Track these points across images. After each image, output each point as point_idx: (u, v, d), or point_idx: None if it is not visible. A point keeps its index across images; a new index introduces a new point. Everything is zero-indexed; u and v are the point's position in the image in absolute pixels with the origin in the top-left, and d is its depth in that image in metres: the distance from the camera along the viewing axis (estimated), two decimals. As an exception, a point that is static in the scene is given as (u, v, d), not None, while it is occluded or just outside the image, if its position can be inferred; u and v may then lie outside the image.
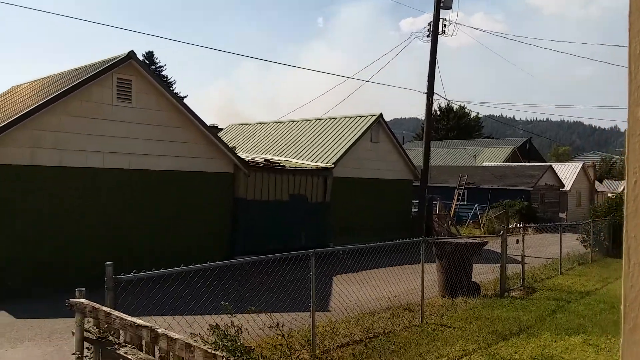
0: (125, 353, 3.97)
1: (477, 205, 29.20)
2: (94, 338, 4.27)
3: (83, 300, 4.31)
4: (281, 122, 21.74)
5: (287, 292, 7.75)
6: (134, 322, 3.84)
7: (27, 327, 7.63)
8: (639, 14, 1.02)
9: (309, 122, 20.24)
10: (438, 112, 61.07)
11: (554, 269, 13.92)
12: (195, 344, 3.40)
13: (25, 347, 6.77)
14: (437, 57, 19.21)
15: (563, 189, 33.26)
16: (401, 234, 12.55)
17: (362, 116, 18.65)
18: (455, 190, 29.49)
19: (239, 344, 3.28)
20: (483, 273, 11.17)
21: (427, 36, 19.28)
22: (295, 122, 20.87)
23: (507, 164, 38.54)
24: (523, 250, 11.80)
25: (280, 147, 19.24)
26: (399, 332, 7.55)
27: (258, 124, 22.99)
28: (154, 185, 11.81)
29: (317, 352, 6.38)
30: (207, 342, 3.45)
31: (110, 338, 4.19)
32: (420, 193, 19.75)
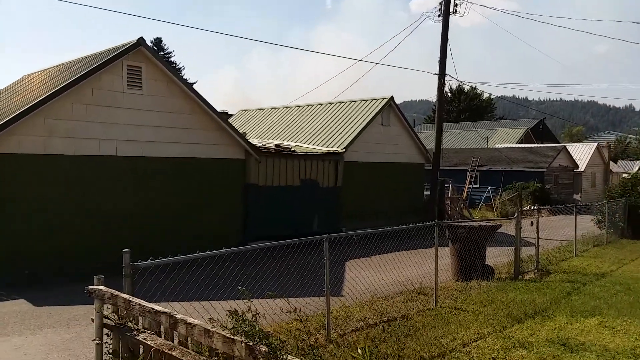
0: (145, 339, 4.03)
1: (489, 187, 28.99)
2: (113, 324, 4.33)
3: (102, 287, 4.36)
4: (291, 107, 21.65)
5: (301, 277, 7.80)
6: (152, 309, 3.89)
7: (46, 314, 7.78)
8: None
9: (319, 106, 20.12)
10: (449, 94, 60.35)
11: (568, 250, 13.82)
12: (213, 329, 3.43)
13: (45, 334, 6.91)
14: (448, 37, 18.90)
15: (577, 170, 32.85)
16: (413, 218, 12.51)
17: (372, 99, 18.48)
18: (468, 173, 29.27)
19: (257, 329, 3.29)
20: (497, 256, 11.12)
21: (439, 16, 18.95)
22: (305, 107, 20.76)
23: (520, 145, 38.09)
24: (537, 233, 11.71)
25: (291, 132, 19.19)
26: (413, 315, 7.57)
27: (268, 109, 22.92)
28: (166, 173, 11.88)
29: (332, 336, 6.43)
30: (226, 327, 3.47)
31: (130, 324, 4.25)
32: (432, 176, 19.64)
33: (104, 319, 4.36)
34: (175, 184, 12.07)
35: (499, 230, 11.03)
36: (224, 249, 5.40)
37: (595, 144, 37.25)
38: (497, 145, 37.62)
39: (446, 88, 20.90)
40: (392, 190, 18.19)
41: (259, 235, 13.28)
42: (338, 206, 16.04)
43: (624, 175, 32.02)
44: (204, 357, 3.58)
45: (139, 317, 4.19)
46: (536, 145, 37.69)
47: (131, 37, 11.50)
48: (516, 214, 11.03)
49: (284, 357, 3.08)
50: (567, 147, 33.75)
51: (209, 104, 12.55)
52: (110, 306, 4.38)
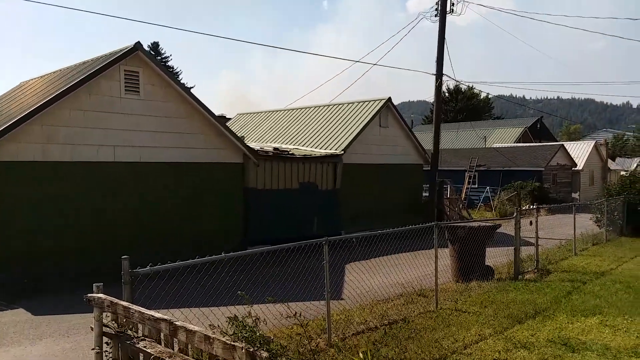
0: (145, 347, 4.02)
1: (488, 187, 29.01)
2: (113, 333, 4.31)
3: (101, 295, 4.35)
4: (289, 110, 21.65)
5: (300, 281, 7.79)
6: (152, 316, 3.88)
7: (45, 323, 7.75)
8: None
9: (316, 108, 20.13)
10: (447, 94, 60.41)
11: (568, 249, 13.82)
12: (214, 335, 3.42)
13: (45, 343, 6.88)
14: (445, 37, 18.92)
15: (575, 168, 32.90)
16: (412, 219, 12.49)
17: (370, 101, 18.49)
18: (466, 173, 29.28)
19: (258, 334, 3.29)
20: (496, 256, 11.12)
21: (435, 16, 18.95)
22: (303, 110, 20.76)
23: (518, 144, 38.15)
24: (537, 232, 11.71)
25: (289, 135, 19.19)
26: (414, 318, 7.56)
27: (266, 112, 22.91)
28: (164, 178, 11.86)
29: (333, 340, 6.42)
30: (226, 334, 3.46)
31: (129, 332, 4.23)
32: (430, 177, 19.64)
33: (103, 327, 4.34)
34: (174, 188, 12.05)
35: (498, 230, 11.03)
36: (223, 254, 5.39)
37: (593, 142, 37.31)
38: (495, 145, 37.68)
39: (444, 88, 20.94)
40: (390, 191, 18.19)
41: (259, 239, 13.25)
42: (337, 209, 16.03)
43: (622, 172, 32.08)
44: (205, 364, 3.57)
45: (139, 325, 4.18)
46: (534, 144, 37.73)
47: (128, 42, 11.50)
48: (515, 214, 11.03)
49: (285, 363, 3.07)
50: (565, 145, 33.80)
51: (207, 107, 12.55)
52: (109, 314, 4.36)
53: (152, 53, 49.08)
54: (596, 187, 34.14)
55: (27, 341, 6.97)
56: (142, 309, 4.05)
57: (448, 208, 21.37)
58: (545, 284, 9.88)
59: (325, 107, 19.80)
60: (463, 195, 26.87)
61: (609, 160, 40.59)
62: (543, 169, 29.21)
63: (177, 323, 3.68)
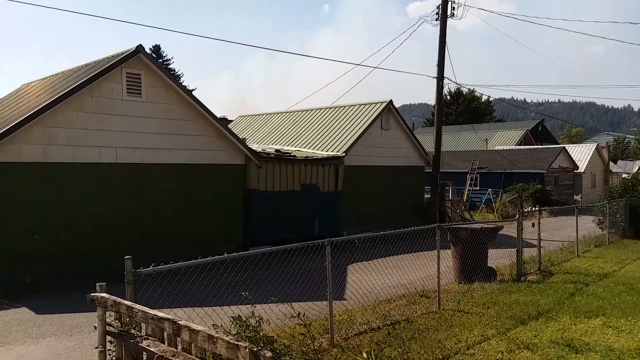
0: (148, 346, 4.01)
1: (490, 189, 28.99)
2: (116, 332, 4.31)
3: (104, 294, 4.35)
4: (290, 112, 21.68)
5: (302, 281, 7.78)
6: (155, 315, 3.87)
7: (48, 322, 7.75)
8: None
9: (318, 111, 20.15)
10: (448, 97, 60.50)
11: (570, 251, 13.79)
12: (217, 335, 3.41)
13: (47, 342, 6.88)
14: (446, 40, 18.95)
15: (577, 171, 32.84)
16: (414, 221, 12.48)
17: (371, 103, 18.50)
18: (468, 175, 29.27)
19: (261, 334, 3.28)
20: (499, 258, 11.10)
21: (436, 19, 19.01)
22: (305, 112, 20.79)
23: (520, 147, 38.13)
24: (539, 234, 11.69)
25: (291, 137, 19.20)
26: (417, 318, 7.54)
27: (267, 114, 22.94)
28: (166, 180, 11.87)
29: (335, 340, 6.40)
30: (229, 333, 3.45)
31: (133, 331, 4.23)
32: (432, 179, 19.63)
33: (106, 326, 4.34)
34: (176, 190, 12.06)
35: (500, 232, 11.01)
36: (225, 255, 5.38)
37: (595, 145, 37.26)
38: (496, 148, 37.66)
39: (445, 91, 20.96)
40: (392, 193, 18.18)
41: (261, 241, 13.25)
42: (339, 210, 16.02)
43: (624, 175, 32.02)
44: (208, 363, 3.56)
45: (142, 324, 4.18)
46: (536, 146, 37.71)
47: (130, 45, 11.53)
48: (517, 216, 11.02)
49: (289, 361, 3.07)
50: (566, 148, 33.76)
51: (209, 110, 12.56)
52: (112, 313, 4.36)
53: (154, 56, 49.21)
54: (598, 189, 34.09)
55: (31, 340, 6.97)
56: (146, 308, 4.05)
57: (450, 210, 21.35)
58: (548, 285, 9.85)
59: (327, 110, 19.82)
60: (465, 197, 26.85)
61: (611, 163, 40.54)
62: (545, 171, 29.18)
63: (180, 322, 3.68)
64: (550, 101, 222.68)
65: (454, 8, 18.88)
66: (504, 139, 44.14)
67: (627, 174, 33.20)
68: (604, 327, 7.13)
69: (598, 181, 35.71)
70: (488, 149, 38.63)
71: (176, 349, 3.93)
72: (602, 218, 16.81)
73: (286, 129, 20.08)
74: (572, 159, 32.74)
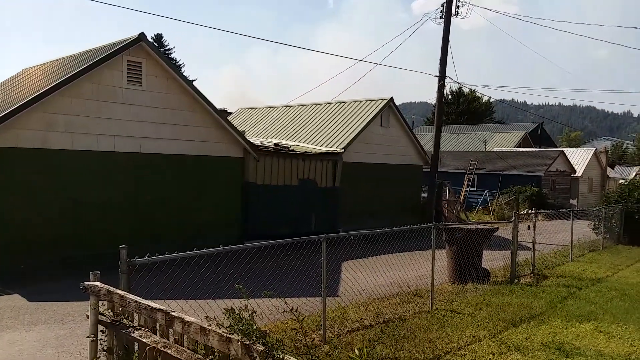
0: (140, 336, 4.01)
1: (487, 191, 29.02)
2: (109, 321, 4.31)
3: (97, 283, 4.35)
4: (291, 106, 21.62)
5: (297, 277, 7.79)
6: (148, 306, 3.87)
7: (41, 310, 7.74)
8: None
9: (318, 106, 20.10)
10: (449, 96, 60.44)
11: (564, 255, 13.84)
12: (210, 327, 3.41)
13: (39, 330, 6.88)
14: (449, 39, 18.91)
15: (574, 175, 32.92)
16: (410, 220, 12.50)
17: (372, 100, 18.48)
18: (465, 176, 29.30)
19: (254, 327, 3.28)
20: (493, 259, 11.13)
21: (440, 18, 18.95)
22: (305, 106, 20.74)
23: (518, 149, 38.18)
24: (534, 237, 11.72)
25: (290, 131, 19.17)
26: (409, 317, 7.56)
27: (267, 107, 22.89)
28: (164, 169, 11.85)
29: (328, 336, 6.42)
30: (222, 326, 3.46)
31: (125, 321, 4.23)
32: (430, 178, 19.64)
33: (99, 316, 4.34)
34: (173, 180, 12.04)
35: (495, 234, 11.03)
36: (221, 247, 5.38)
37: (593, 150, 37.33)
38: (495, 149, 37.69)
39: (446, 90, 20.94)
40: (390, 191, 18.19)
41: (257, 234, 13.26)
42: (336, 206, 16.03)
43: (621, 181, 32.09)
44: (200, 356, 3.56)
45: (135, 314, 4.17)
46: (534, 149, 37.76)
47: (131, 33, 11.47)
48: (513, 218, 11.04)
49: (281, 356, 3.07)
50: (565, 151, 33.83)
51: (209, 101, 12.53)
52: (105, 302, 4.36)
53: (156, 44, 48.96)
54: (594, 194, 34.17)
55: (22, 327, 6.97)
56: (139, 298, 4.05)
57: (446, 210, 21.39)
58: (541, 288, 9.89)
59: (327, 105, 19.78)
60: (462, 198, 26.89)
61: (608, 168, 40.63)
62: (542, 174, 29.23)
63: (173, 314, 3.68)
64: (550, 104, 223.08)
65: (458, 7, 18.83)
66: (503, 141, 44.18)
67: (624, 179, 33.28)
68: (595, 332, 7.17)
69: (595, 186, 35.80)
70: (487, 150, 38.65)
71: (168, 340, 3.93)
72: (597, 223, 16.87)
73: (286, 123, 20.05)
74: (570, 162, 32.80)
